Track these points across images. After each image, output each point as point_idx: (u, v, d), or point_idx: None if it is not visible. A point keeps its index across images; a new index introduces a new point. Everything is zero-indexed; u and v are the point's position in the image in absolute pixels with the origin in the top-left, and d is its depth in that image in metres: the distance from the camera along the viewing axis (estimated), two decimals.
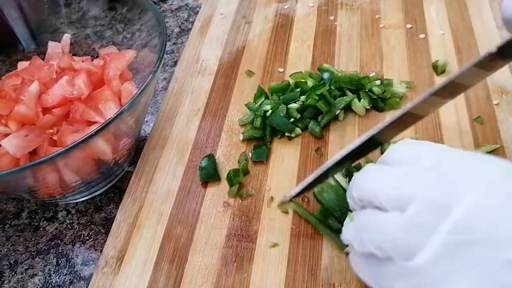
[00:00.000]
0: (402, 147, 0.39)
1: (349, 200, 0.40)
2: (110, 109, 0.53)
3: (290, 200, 0.44)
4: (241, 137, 0.58)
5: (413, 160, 0.36)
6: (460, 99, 0.59)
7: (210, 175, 0.54)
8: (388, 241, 0.33)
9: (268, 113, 0.58)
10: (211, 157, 0.56)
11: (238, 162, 0.56)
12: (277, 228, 0.50)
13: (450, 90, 0.42)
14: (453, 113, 0.58)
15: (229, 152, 0.57)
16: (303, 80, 0.61)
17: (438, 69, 0.62)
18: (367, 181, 0.37)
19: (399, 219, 0.33)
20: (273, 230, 0.50)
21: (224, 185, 0.54)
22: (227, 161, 0.56)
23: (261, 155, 0.56)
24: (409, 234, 0.32)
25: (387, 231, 0.34)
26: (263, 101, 0.60)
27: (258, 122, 0.57)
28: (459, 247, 0.30)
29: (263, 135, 0.57)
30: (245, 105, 0.61)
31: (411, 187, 0.34)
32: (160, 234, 0.50)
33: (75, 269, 0.51)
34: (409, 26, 0.70)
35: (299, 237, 0.49)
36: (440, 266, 0.31)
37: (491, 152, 0.54)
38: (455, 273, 0.30)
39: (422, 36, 0.68)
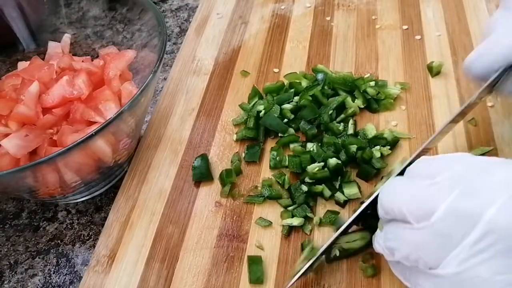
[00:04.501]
0: (426, 161, 0.39)
1: (379, 213, 0.41)
2: (110, 109, 0.53)
3: None
4: (234, 137, 0.59)
5: (437, 173, 0.36)
6: (454, 100, 0.60)
7: (202, 174, 0.55)
8: (412, 252, 0.35)
9: (261, 114, 0.58)
10: (204, 157, 0.56)
11: (231, 162, 0.56)
12: (268, 228, 0.50)
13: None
14: (447, 114, 0.58)
15: (222, 152, 0.58)
16: (297, 81, 0.62)
17: (433, 70, 0.62)
18: (389, 196, 0.38)
19: (422, 231, 0.34)
20: (264, 231, 0.50)
21: (216, 185, 0.55)
22: (220, 161, 0.57)
23: (254, 155, 0.56)
24: (432, 244, 0.34)
25: (412, 243, 0.35)
26: (256, 102, 0.60)
27: (251, 123, 0.58)
28: (484, 255, 0.31)
29: (257, 135, 0.58)
30: (239, 105, 0.62)
31: (432, 199, 0.34)
32: (152, 233, 0.51)
33: (75, 269, 0.52)
34: (405, 27, 0.70)
35: (290, 237, 0.49)
36: (464, 275, 0.32)
37: (484, 154, 0.54)
38: (480, 280, 0.31)
39: (418, 37, 0.68)
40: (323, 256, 0.46)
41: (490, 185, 0.33)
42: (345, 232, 0.45)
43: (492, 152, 0.54)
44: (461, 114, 0.47)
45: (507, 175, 0.33)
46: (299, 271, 0.44)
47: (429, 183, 0.35)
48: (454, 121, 0.46)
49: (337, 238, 0.44)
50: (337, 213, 0.50)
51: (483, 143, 0.55)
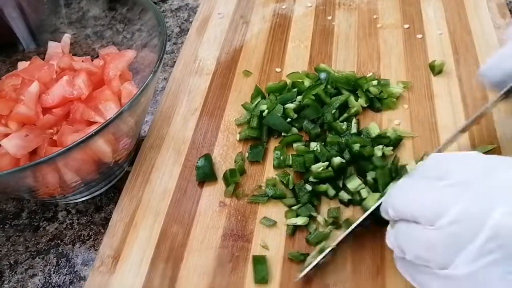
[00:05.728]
0: (436, 160, 0.39)
1: (383, 214, 0.41)
2: (110, 109, 0.53)
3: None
4: (237, 137, 0.59)
5: (447, 174, 0.37)
6: (456, 99, 0.60)
7: (206, 174, 0.55)
8: (423, 252, 0.35)
9: (264, 113, 0.58)
10: (207, 157, 0.56)
11: (235, 162, 0.56)
12: (272, 228, 0.50)
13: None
14: (449, 113, 0.58)
15: (226, 152, 0.58)
16: (300, 80, 0.62)
17: (435, 69, 0.63)
18: (401, 197, 0.39)
19: (433, 233, 0.35)
20: (269, 230, 0.50)
21: (220, 184, 0.55)
22: (223, 161, 0.57)
23: (258, 155, 0.56)
24: (443, 245, 0.34)
25: (423, 243, 0.35)
26: (259, 101, 0.60)
27: (254, 122, 0.58)
28: (494, 256, 0.32)
29: (260, 135, 0.58)
30: (242, 105, 0.62)
31: (444, 201, 0.35)
32: (156, 233, 0.51)
33: (75, 269, 0.51)
34: (406, 26, 0.70)
35: (294, 236, 0.49)
36: (474, 276, 0.32)
37: (486, 152, 0.54)
38: (491, 280, 0.32)
39: (419, 36, 0.68)
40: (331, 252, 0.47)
41: (498, 187, 0.33)
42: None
43: (495, 150, 0.54)
44: (473, 123, 0.47)
45: None
46: (310, 264, 0.46)
47: (441, 185, 0.36)
48: (464, 130, 0.47)
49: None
50: (338, 208, 0.51)
51: (486, 142, 0.55)
